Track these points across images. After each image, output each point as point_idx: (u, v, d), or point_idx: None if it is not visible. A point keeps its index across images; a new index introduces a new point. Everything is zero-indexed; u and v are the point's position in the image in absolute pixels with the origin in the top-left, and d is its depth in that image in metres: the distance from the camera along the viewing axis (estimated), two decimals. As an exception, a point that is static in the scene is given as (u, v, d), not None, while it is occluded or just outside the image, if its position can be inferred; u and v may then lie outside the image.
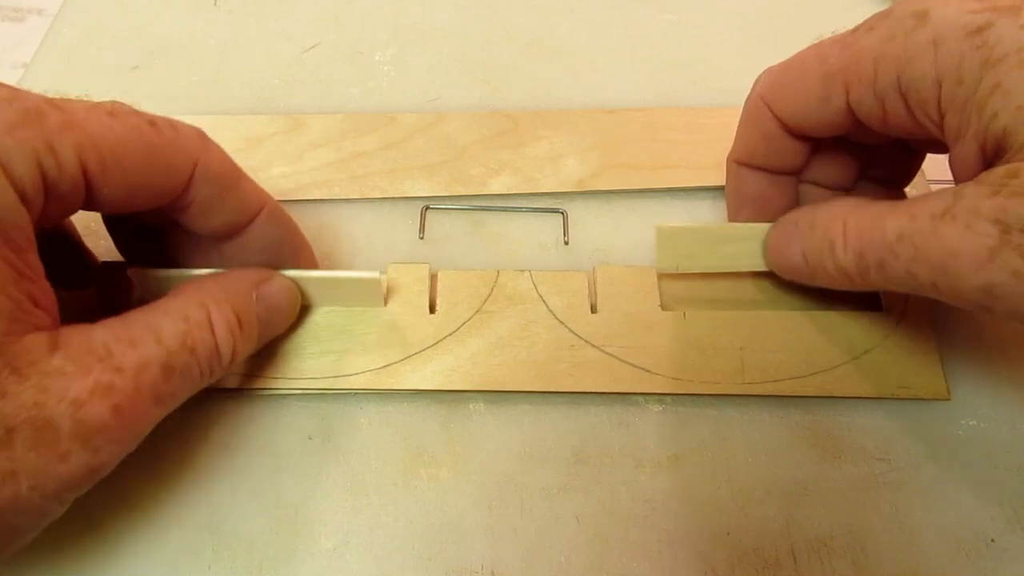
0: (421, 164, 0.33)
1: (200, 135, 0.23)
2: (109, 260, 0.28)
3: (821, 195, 0.28)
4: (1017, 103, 0.19)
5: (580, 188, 0.33)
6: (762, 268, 0.28)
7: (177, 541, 0.24)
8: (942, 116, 0.21)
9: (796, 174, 0.28)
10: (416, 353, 0.27)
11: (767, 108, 0.26)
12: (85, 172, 0.19)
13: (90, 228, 0.27)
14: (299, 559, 0.24)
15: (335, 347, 0.27)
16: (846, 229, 0.23)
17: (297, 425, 0.27)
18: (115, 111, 0.20)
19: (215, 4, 0.40)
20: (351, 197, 0.32)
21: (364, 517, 0.25)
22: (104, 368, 0.19)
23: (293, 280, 0.26)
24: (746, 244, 0.28)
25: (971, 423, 0.27)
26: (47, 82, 0.36)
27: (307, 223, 0.31)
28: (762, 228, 0.28)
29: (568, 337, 0.27)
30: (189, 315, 0.22)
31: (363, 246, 0.31)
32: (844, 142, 0.26)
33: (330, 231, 0.32)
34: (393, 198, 0.33)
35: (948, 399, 0.27)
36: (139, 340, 0.20)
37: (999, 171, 0.20)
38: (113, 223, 0.26)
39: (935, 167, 0.30)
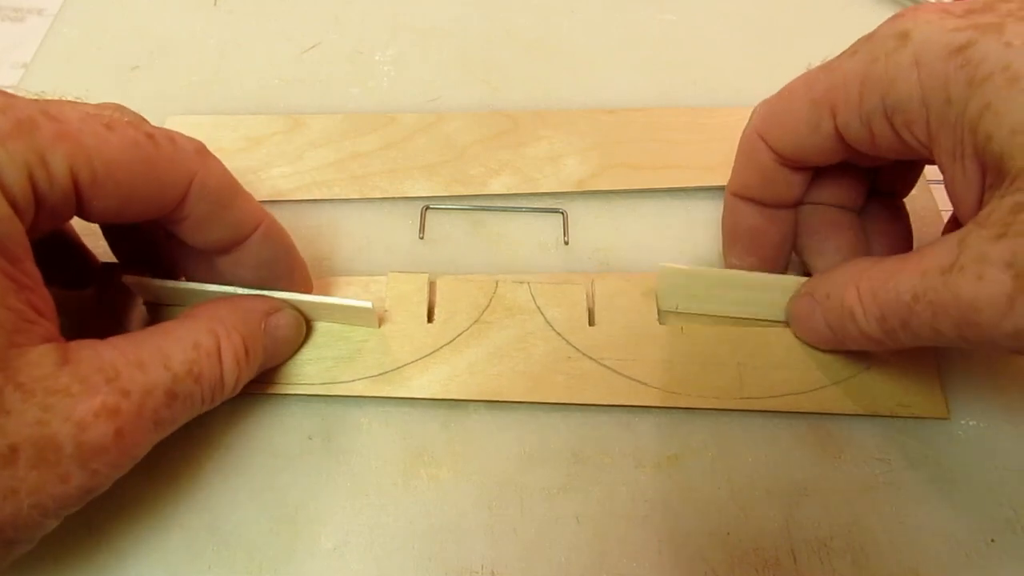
0: (421, 164, 0.33)
1: (199, 150, 0.22)
2: (108, 261, 0.28)
3: (822, 214, 0.28)
4: (1010, 126, 0.19)
5: (580, 188, 0.33)
6: (762, 317, 0.28)
7: (177, 541, 0.24)
8: (931, 137, 0.21)
9: (792, 207, 0.28)
10: (413, 361, 0.27)
11: (762, 141, 0.26)
12: (76, 184, 0.19)
13: (90, 228, 0.27)
14: (299, 559, 0.24)
15: (332, 353, 0.27)
16: (861, 295, 0.23)
17: (297, 425, 0.27)
18: (112, 123, 0.20)
19: (215, 4, 0.40)
20: (351, 197, 0.32)
21: (364, 517, 0.25)
22: (111, 390, 0.19)
23: (293, 305, 0.26)
24: (748, 293, 0.28)
25: (971, 423, 0.27)
26: (47, 82, 0.36)
27: (307, 223, 0.31)
28: (763, 277, 0.28)
29: (565, 349, 0.27)
30: (199, 342, 0.22)
31: (363, 246, 0.31)
32: (851, 165, 0.26)
33: (330, 231, 0.32)
34: (393, 198, 0.33)
35: (947, 418, 0.27)
36: (148, 363, 0.20)
37: (1002, 208, 0.19)
38: (109, 227, 0.26)
39: (934, 168, 0.30)
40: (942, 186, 0.33)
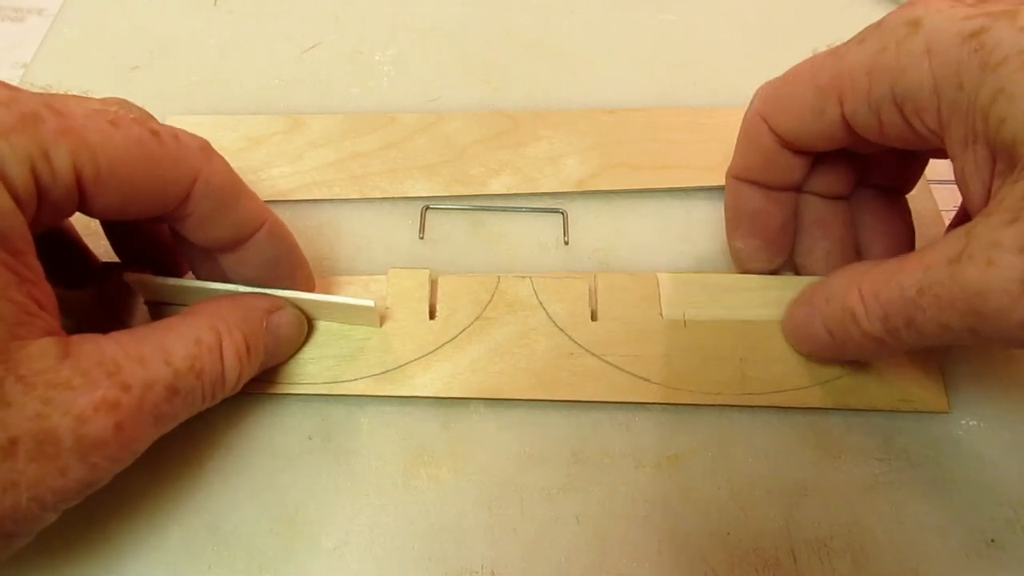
0: (421, 164, 0.33)
1: (204, 148, 0.22)
2: (108, 261, 0.28)
3: (812, 211, 0.28)
4: None
5: (580, 188, 0.33)
6: (766, 319, 0.28)
7: (177, 541, 0.24)
8: (942, 125, 0.21)
9: (794, 189, 0.28)
10: (415, 359, 0.27)
11: (764, 123, 0.26)
12: (79, 179, 0.19)
13: (90, 228, 0.27)
14: (299, 559, 0.24)
15: (334, 352, 0.27)
16: (863, 295, 0.23)
17: (297, 425, 0.27)
18: (117, 120, 0.20)
19: (215, 4, 0.40)
20: (351, 197, 0.32)
21: (364, 517, 0.25)
22: (112, 384, 0.19)
23: (295, 304, 0.26)
24: (751, 295, 0.28)
25: (971, 423, 0.27)
26: (47, 82, 0.36)
27: (307, 223, 0.31)
28: (764, 280, 0.28)
29: (568, 345, 0.27)
30: (201, 338, 0.22)
31: (363, 246, 0.31)
32: (843, 152, 0.26)
33: (330, 231, 0.32)
34: (393, 198, 0.33)
35: (948, 411, 0.27)
36: (149, 358, 0.20)
37: (1015, 194, 0.19)
38: (111, 225, 0.26)
39: (934, 168, 0.30)
40: (942, 186, 0.33)
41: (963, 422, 0.27)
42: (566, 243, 0.32)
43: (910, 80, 0.21)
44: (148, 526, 0.25)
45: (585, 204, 0.33)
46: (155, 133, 0.21)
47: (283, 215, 0.26)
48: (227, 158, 0.23)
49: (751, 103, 0.26)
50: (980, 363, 0.28)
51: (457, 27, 0.39)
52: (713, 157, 0.33)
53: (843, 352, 0.25)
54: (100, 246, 0.27)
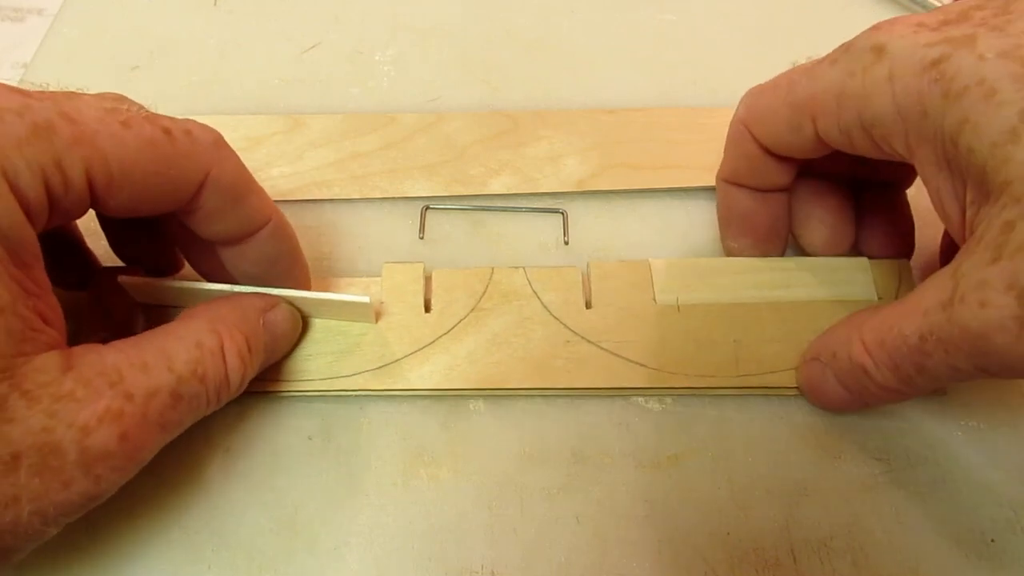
0: (421, 164, 0.33)
1: (215, 142, 0.22)
2: (106, 266, 0.28)
3: (810, 185, 0.28)
4: (991, 139, 0.19)
5: (580, 188, 0.33)
6: (758, 300, 0.28)
7: (177, 541, 0.24)
8: (910, 150, 0.21)
9: (783, 190, 0.28)
10: (412, 352, 0.27)
11: (747, 131, 0.26)
12: (91, 187, 0.19)
13: (90, 228, 0.27)
14: (299, 559, 0.24)
15: (331, 348, 0.27)
16: (868, 347, 0.23)
17: (297, 425, 0.27)
18: (129, 120, 0.20)
19: (215, 4, 0.40)
20: (351, 197, 0.32)
21: (364, 517, 0.25)
22: (115, 394, 0.19)
23: (290, 302, 0.26)
24: (742, 277, 0.29)
25: (971, 423, 0.27)
26: (47, 82, 0.36)
27: (307, 223, 0.31)
28: (754, 262, 0.29)
29: (563, 333, 0.28)
30: (202, 341, 0.22)
31: (363, 246, 0.31)
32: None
33: (330, 231, 0.32)
34: (393, 198, 0.33)
35: (944, 393, 0.27)
36: (151, 366, 0.20)
37: (992, 229, 0.19)
38: (110, 223, 0.26)
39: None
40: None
41: (962, 422, 0.27)
42: (566, 243, 0.32)
43: (876, 108, 0.21)
44: (148, 526, 0.25)
45: (585, 204, 0.33)
46: (167, 131, 0.20)
47: (283, 215, 0.26)
48: (228, 158, 0.23)
49: (737, 108, 0.27)
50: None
51: (457, 27, 0.39)
52: (713, 157, 0.33)
53: (864, 404, 0.25)
54: (100, 246, 0.27)
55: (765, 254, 0.29)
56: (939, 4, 0.40)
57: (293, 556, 0.24)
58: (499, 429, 0.27)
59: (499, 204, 0.33)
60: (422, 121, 0.34)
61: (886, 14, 0.39)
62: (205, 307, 0.24)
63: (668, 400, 0.27)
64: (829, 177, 0.28)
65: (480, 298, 0.28)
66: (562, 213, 0.32)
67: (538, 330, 0.28)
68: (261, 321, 0.24)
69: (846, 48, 0.22)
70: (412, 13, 0.40)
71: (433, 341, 0.27)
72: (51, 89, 0.32)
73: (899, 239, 0.29)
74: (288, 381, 0.27)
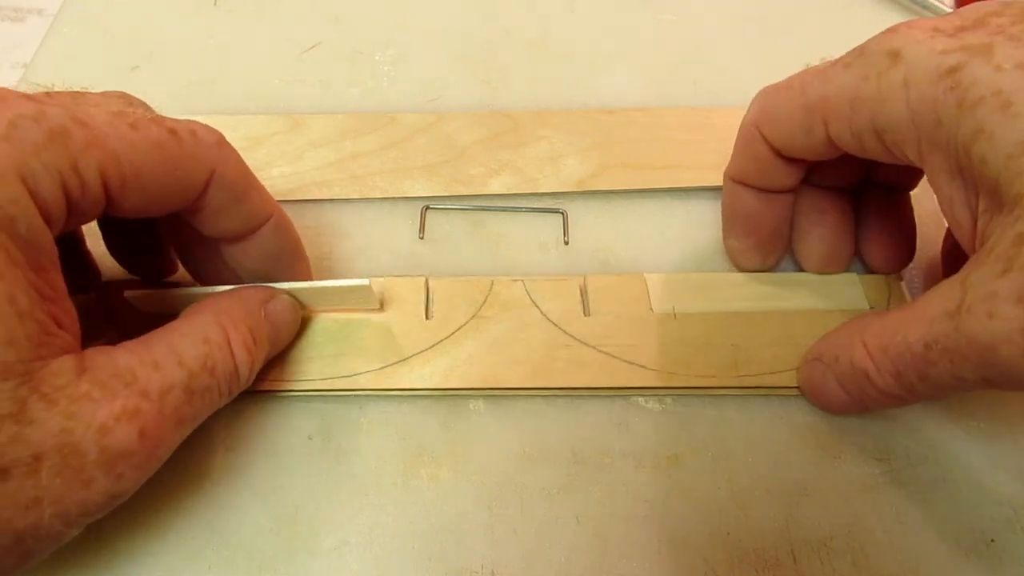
0: (421, 164, 0.33)
1: (219, 141, 0.23)
2: (113, 279, 0.28)
3: (812, 198, 0.28)
4: (1006, 150, 0.18)
5: (580, 188, 0.33)
6: (756, 310, 0.28)
7: (177, 541, 0.24)
8: (922, 157, 0.21)
9: (790, 192, 0.28)
10: (413, 355, 0.27)
11: (759, 132, 0.26)
12: (106, 189, 0.19)
13: (89, 228, 0.27)
14: (299, 559, 0.24)
15: (332, 351, 0.27)
16: (870, 352, 0.23)
17: (297, 425, 0.27)
18: (137, 123, 0.20)
19: (215, 4, 0.40)
20: (351, 197, 0.32)
21: (364, 517, 0.25)
22: (130, 393, 0.19)
23: (292, 294, 0.26)
24: (738, 289, 0.29)
25: (971, 423, 0.27)
26: (47, 82, 0.36)
27: (307, 223, 0.31)
28: (751, 277, 0.29)
29: (563, 338, 0.28)
30: (209, 336, 0.22)
31: (363, 246, 0.31)
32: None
33: (330, 231, 0.32)
34: (393, 198, 0.33)
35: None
36: (162, 363, 0.21)
37: (1004, 241, 0.19)
38: (109, 226, 0.26)
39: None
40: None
41: (963, 422, 0.27)
42: (566, 243, 0.32)
43: (889, 113, 0.21)
44: (148, 526, 0.25)
45: (585, 204, 0.33)
46: (173, 132, 0.21)
47: (283, 215, 0.26)
48: (228, 157, 0.24)
49: (749, 109, 0.27)
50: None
51: (457, 27, 0.39)
52: (713, 157, 0.33)
53: (865, 408, 0.25)
54: (100, 246, 0.27)
55: (765, 257, 0.29)
56: (940, 4, 0.40)
57: (293, 556, 0.24)
58: (499, 429, 0.27)
59: (499, 204, 0.33)
60: (422, 121, 0.34)
61: (886, 14, 0.39)
62: (207, 303, 0.24)
63: (668, 400, 0.27)
64: (831, 188, 0.28)
65: (480, 307, 0.28)
66: (562, 213, 0.32)
67: (538, 335, 0.28)
68: (263, 312, 0.25)
69: (860, 51, 0.22)
70: (412, 13, 0.40)
71: (433, 345, 0.27)
72: (56, 89, 0.32)
73: (901, 242, 0.29)
74: (288, 381, 0.27)
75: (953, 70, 0.20)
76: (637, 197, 0.33)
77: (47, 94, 0.20)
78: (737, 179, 0.28)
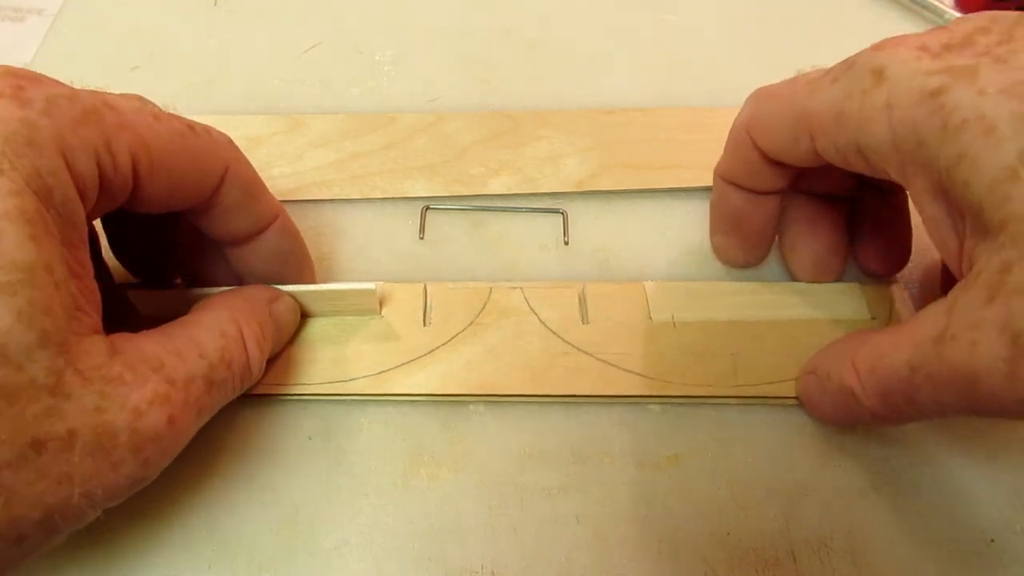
0: (421, 164, 0.33)
1: (230, 142, 0.23)
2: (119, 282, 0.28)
3: (803, 207, 0.29)
4: (990, 175, 0.18)
5: (580, 188, 0.33)
6: (756, 319, 0.28)
7: (177, 541, 0.24)
8: (906, 178, 0.21)
9: (778, 193, 0.28)
10: (411, 361, 0.27)
11: (749, 136, 0.26)
12: (135, 171, 0.20)
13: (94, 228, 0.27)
14: (299, 559, 0.24)
15: (330, 355, 0.27)
16: (859, 373, 0.23)
17: (297, 426, 0.27)
18: (159, 115, 0.21)
19: (215, 4, 0.40)
20: (351, 197, 0.32)
21: (364, 517, 0.25)
22: (160, 379, 0.20)
23: (293, 295, 0.27)
24: (737, 298, 0.29)
25: (971, 423, 0.27)
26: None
27: (307, 223, 0.31)
28: (750, 286, 0.29)
29: (561, 345, 0.28)
30: (225, 330, 0.23)
31: (363, 246, 0.31)
32: None
33: (330, 231, 0.32)
34: (393, 198, 0.33)
35: None
36: (185, 353, 0.21)
37: (990, 268, 0.19)
38: (114, 229, 0.26)
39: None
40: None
41: (963, 422, 0.27)
42: (566, 243, 0.32)
43: (872, 134, 0.21)
44: (148, 526, 0.25)
45: (585, 204, 0.33)
46: (191, 127, 0.22)
47: (283, 215, 0.26)
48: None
49: (741, 110, 0.27)
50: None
51: (457, 27, 0.39)
52: (713, 157, 0.33)
53: (856, 424, 0.25)
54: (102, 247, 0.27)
55: (748, 255, 0.30)
56: (939, 4, 0.40)
57: (293, 556, 0.24)
58: (499, 429, 0.27)
59: (499, 204, 0.33)
60: (422, 121, 0.34)
61: (886, 14, 0.39)
62: (219, 299, 0.24)
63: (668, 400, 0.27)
64: (823, 196, 0.28)
65: (479, 313, 0.28)
66: (562, 213, 0.32)
67: (536, 343, 0.28)
68: (269, 311, 0.25)
69: (848, 65, 0.22)
70: (412, 13, 0.40)
71: (431, 351, 0.27)
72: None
73: (896, 245, 0.29)
74: (287, 385, 0.27)
75: (936, 92, 0.19)
76: (637, 197, 0.33)
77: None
78: (726, 178, 0.28)
